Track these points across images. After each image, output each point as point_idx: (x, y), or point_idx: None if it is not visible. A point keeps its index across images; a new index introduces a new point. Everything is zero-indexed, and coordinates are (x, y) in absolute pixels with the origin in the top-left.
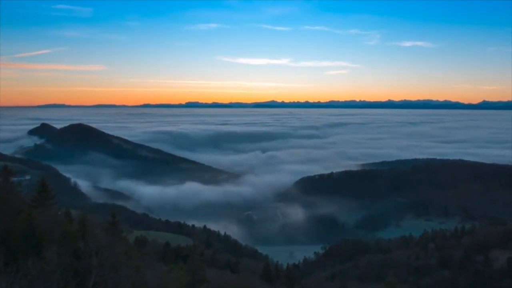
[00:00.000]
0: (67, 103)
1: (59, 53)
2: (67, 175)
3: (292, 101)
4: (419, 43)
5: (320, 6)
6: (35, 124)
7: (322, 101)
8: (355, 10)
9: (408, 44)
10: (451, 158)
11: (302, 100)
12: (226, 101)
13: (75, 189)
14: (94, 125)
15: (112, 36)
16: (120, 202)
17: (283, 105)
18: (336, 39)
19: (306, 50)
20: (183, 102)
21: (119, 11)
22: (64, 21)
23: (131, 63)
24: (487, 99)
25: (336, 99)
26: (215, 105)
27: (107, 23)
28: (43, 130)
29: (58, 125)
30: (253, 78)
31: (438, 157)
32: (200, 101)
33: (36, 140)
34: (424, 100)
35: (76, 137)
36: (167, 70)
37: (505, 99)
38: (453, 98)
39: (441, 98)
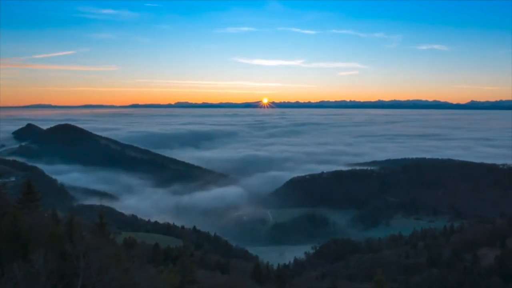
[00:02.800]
0: (53, 103)
1: (80, 54)
2: (54, 176)
3: (283, 101)
4: (436, 46)
5: (351, 11)
6: (21, 125)
7: (312, 101)
8: (382, 15)
9: (424, 47)
10: (439, 158)
11: (293, 101)
12: (216, 101)
13: (61, 191)
14: (80, 125)
15: (141, 38)
16: (108, 204)
17: (272, 105)
18: (359, 42)
19: (323, 52)
20: (173, 102)
21: (156, 16)
22: (98, 24)
23: (145, 64)
24: (475, 99)
25: (326, 99)
26: (205, 105)
27: (141, 26)
28: (28, 131)
29: (44, 126)
30: (257, 79)
31: (427, 157)
32: (190, 101)
33: (21, 141)
34: (414, 100)
35: (63, 137)
36: (176, 72)
37: (493, 99)
38: (442, 98)
39: (430, 98)
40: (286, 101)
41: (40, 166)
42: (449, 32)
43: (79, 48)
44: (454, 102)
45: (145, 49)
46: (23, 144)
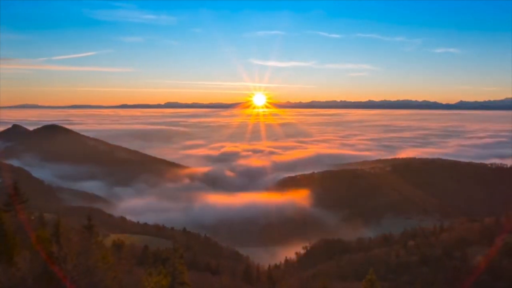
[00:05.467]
0: (40, 103)
1: (100, 56)
2: (41, 178)
3: (276, 101)
4: (451, 49)
5: (378, 16)
6: (6, 125)
7: (303, 101)
8: (406, 20)
9: (440, 50)
10: (429, 157)
11: (284, 101)
12: (206, 101)
13: (49, 192)
14: (69, 126)
15: (169, 42)
16: (96, 205)
17: (261, 105)
18: (379, 45)
19: (338, 54)
20: (162, 103)
21: (191, 20)
22: (134, 27)
23: (160, 66)
24: (464, 99)
25: (318, 100)
26: (195, 105)
27: (174, 30)
28: (14, 132)
29: (30, 126)
30: (261, 80)
31: (417, 157)
32: (179, 102)
33: (6, 142)
34: (404, 101)
35: (49, 138)
36: (185, 73)
37: (481, 99)
38: (432, 98)
39: (420, 98)
40: (278, 101)
41: (27, 167)
42: (459, 35)
43: (102, 49)
44: (444, 102)
45: (168, 52)
46: (9, 145)
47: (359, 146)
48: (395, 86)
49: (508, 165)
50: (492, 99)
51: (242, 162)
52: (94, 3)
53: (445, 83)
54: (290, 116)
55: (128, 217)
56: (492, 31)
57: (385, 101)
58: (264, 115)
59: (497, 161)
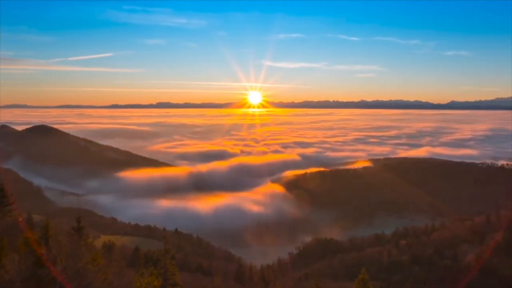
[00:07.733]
0: (29, 103)
1: (116, 57)
2: (30, 179)
3: (269, 100)
4: (462, 52)
5: (398, 20)
6: None
7: (296, 101)
8: (422, 24)
9: (450, 53)
10: (421, 157)
11: (277, 101)
12: (199, 101)
13: (38, 193)
14: (59, 126)
15: (189, 44)
16: (86, 206)
17: (255, 105)
18: (394, 48)
19: (350, 55)
20: (154, 103)
21: (219, 24)
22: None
23: (170, 67)
24: (455, 100)
25: (310, 100)
26: (187, 105)
27: (199, 33)
28: (2, 132)
29: (19, 127)
30: (263, 80)
31: (410, 156)
32: (171, 102)
33: None
34: (396, 101)
35: (39, 139)
36: (190, 74)
37: (472, 99)
38: (424, 98)
39: (411, 98)
40: (272, 100)
41: (15, 169)
42: (465, 38)
43: (122, 51)
44: (435, 102)
45: (183, 54)
46: None
47: (352, 146)
48: (392, 87)
49: (499, 165)
50: (483, 99)
51: (234, 161)
52: (130, 8)
53: (438, 84)
54: (282, 116)
55: (119, 218)
56: (485, 33)
57: (377, 101)
58: (260, 115)
59: (488, 160)
